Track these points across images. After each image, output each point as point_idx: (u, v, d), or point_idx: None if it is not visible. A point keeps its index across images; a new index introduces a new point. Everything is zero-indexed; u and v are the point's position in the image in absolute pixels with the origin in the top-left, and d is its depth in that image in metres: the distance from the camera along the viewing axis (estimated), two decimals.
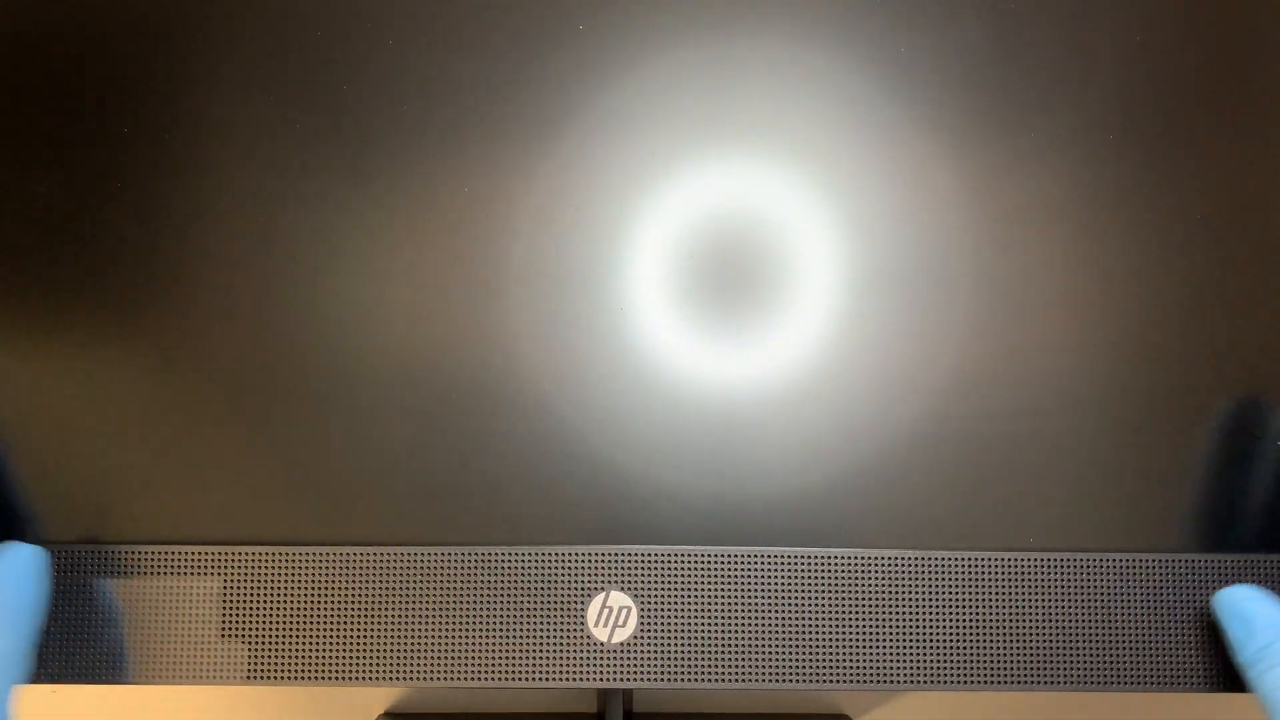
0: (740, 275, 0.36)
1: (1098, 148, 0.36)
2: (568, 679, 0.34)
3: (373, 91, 0.36)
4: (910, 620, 0.34)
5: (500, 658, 0.34)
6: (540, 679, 0.34)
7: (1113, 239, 0.36)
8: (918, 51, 0.36)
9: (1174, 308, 0.36)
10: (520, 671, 0.34)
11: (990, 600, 0.34)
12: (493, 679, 0.34)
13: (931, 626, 0.34)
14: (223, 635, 0.34)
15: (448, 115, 0.36)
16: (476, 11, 0.36)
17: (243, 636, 0.34)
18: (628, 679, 0.34)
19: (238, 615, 0.34)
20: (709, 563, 0.35)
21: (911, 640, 0.34)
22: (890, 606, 0.34)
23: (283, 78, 0.36)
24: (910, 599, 0.34)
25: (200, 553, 0.34)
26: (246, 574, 0.34)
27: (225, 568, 0.34)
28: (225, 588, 0.34)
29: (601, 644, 0.34)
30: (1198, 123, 0.36)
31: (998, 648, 0.34)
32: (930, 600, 0.34)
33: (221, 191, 0.36)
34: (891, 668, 0.34)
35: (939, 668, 0.34)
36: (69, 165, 0.36)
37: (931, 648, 0.34)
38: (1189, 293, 0.36)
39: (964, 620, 0.34)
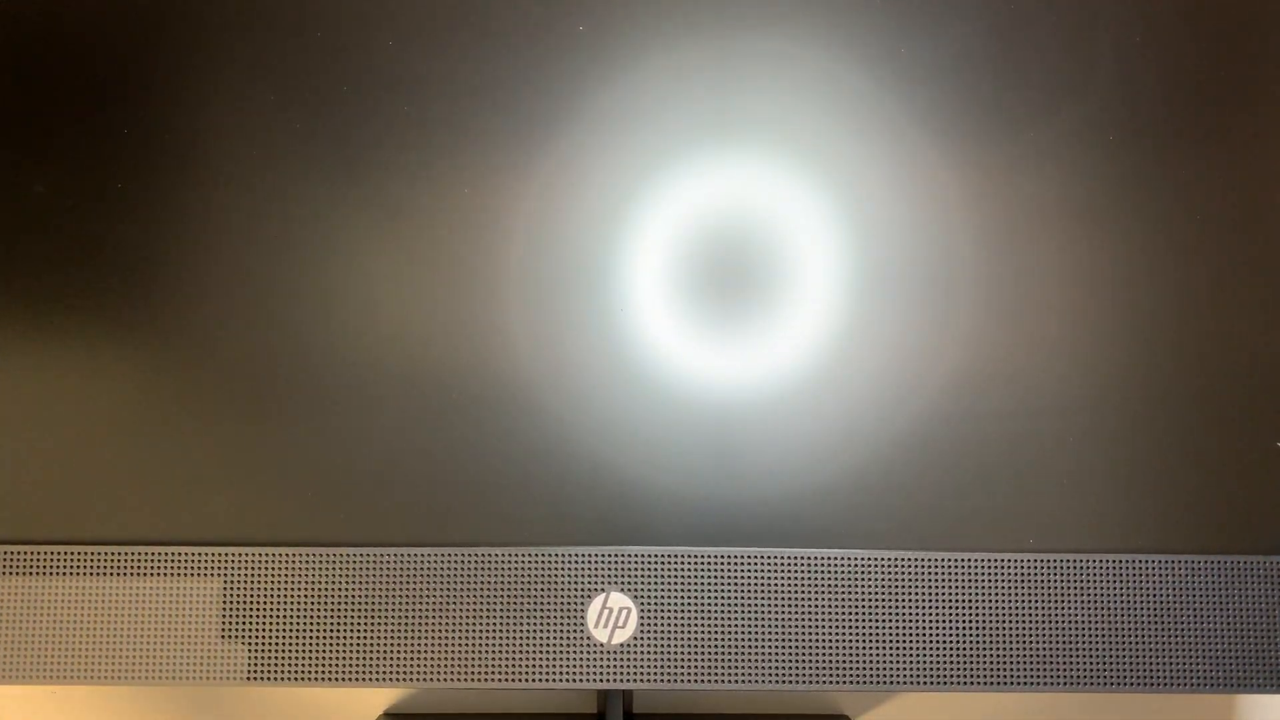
0: (739, 276, 0.36)
1: (1098, 148, 0.36)
2: (568, 680, 0.34)
3: (372, 91, 0.36)
4: (910, 620, 0.34)
5: (500, 658, 0.34)
6: (540, 679, 0.34)
7: (1113, 239, 0.36)
8: (918, 52, 0.36)
9: (1175, 307, 0.36)
10: (520, 672, 0.34)
11: (990, 600, 0.34)
12: (493, 679, 0.34)
13: (931, 626, 0.34)
14: (223, 635, 0.34)
15: (447, 115, 0.36)
16: (476, 11, 0.36)
17: (243, 637, 0.34)
18: (628, 680, 0.34)
19: (238, 615, 0.34)
20: (709, 564, 0.35)
21: (911, 640, 0.34)
22: (890, 606, 0.34)
23: (283, 78, 0.36)
24: (910, 599, 0.34)
25: (200, 553, 0.34)
26: (246, 574, 0.34)
27: (225, 568, 0.34)
28: (225, 588, 0.34)
29: (601, 645, 0.34)
30: (1198, 123, 0.36)
31: (997, 648, 0.34)
32: (930, 600, 0.34)
33: (221, 192, 0.36)
34: (891, 668, 0.34)
35: (939, 668, 0.34)
36: (69, 165, 0.36)
37: (931, 648, 0.34)
38: (1190, 292, 0.36)
39: (964, 620, 0.34)
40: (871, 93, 0.36)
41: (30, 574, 0.34)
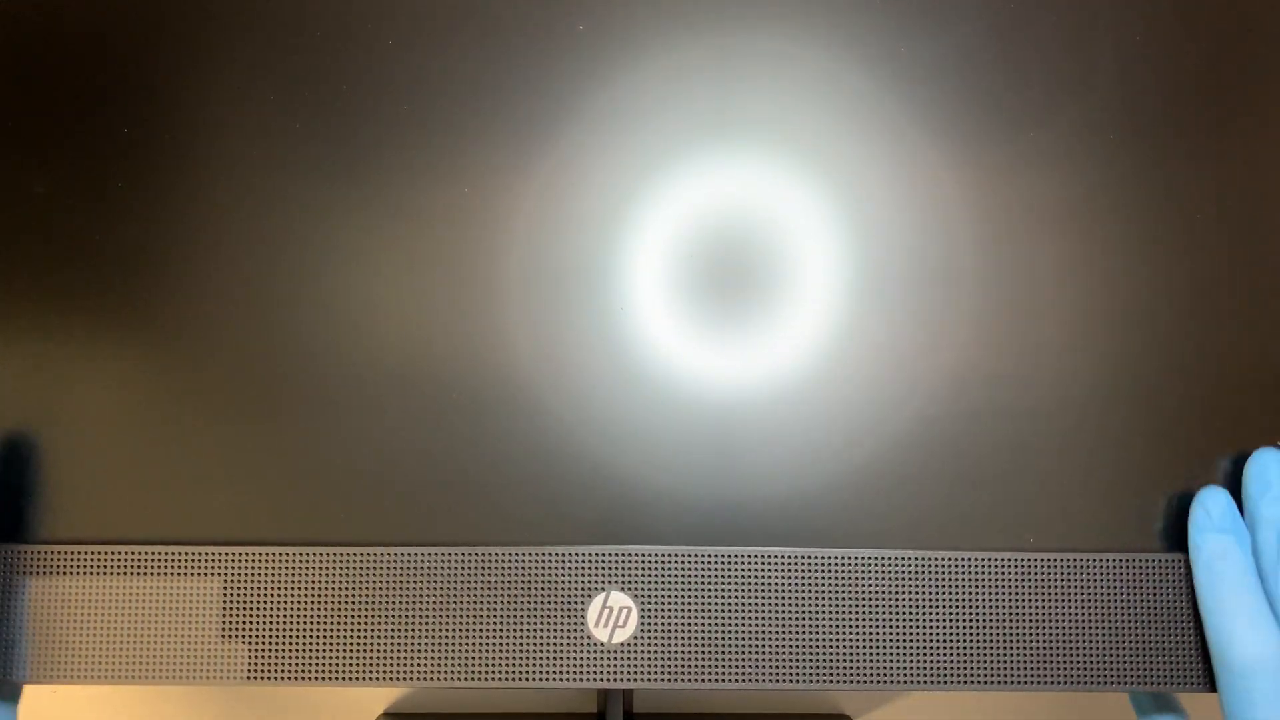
0: (739, 275, 0.36)
1: (1098, 148, 0.36)
2: (568, 679, 0.34)
3: (373, 91, 0.36)
4: (910, 620, 0.34)
5: (500, 658, 0.34)
6: (540, 679, 0.34)
7: (1113, 239, 0.36)
8: (918, 51, 0.36)
9: (1174, 308, 0.36)
10: (520, 672, 0.34)
11: (990, 600, 0.34)
12: (493, 679, 0.34)
13: (931, 626, 0.34)
14: (223, 635, 0.34)
15: (447, 115, 0.36)
16: (476, 11, 0.36)
17: (243, 636, 0.34)
18: (628, 679, 0.34)
19: (238, 615, 0.34)
20: (709, 563, 0.35)
21: (911, 640, 0.34)
22: (890, 606, 0.34)
23: (283, 77, 0.36)
24: (910, 599, 0.34)
25: (200, 553, 0.34)
26: (246, 574, 0.34)
27: (225, 568, 0.34)
28: (225, 588, 0.34)
29: (602, 644, 0.34)
30: (1198, 123, 0.36)
31: (998, 648, 0.34)
32: (930, 600, 0.34)
33: (221, 192, 0.36)
34: (891, 668, 0.34)
35: (939, 668, 0.34)
36: (69, 166, 0.36)
37: (931, 648, 0.34)
38: (1189, 293, 0.36)
39: (964, 620, 0.34)
40: (871, 92, 0.36)
41: (28, 574, 0.34)
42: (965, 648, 0.34)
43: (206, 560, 0.34)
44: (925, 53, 0.36)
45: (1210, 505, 0.34)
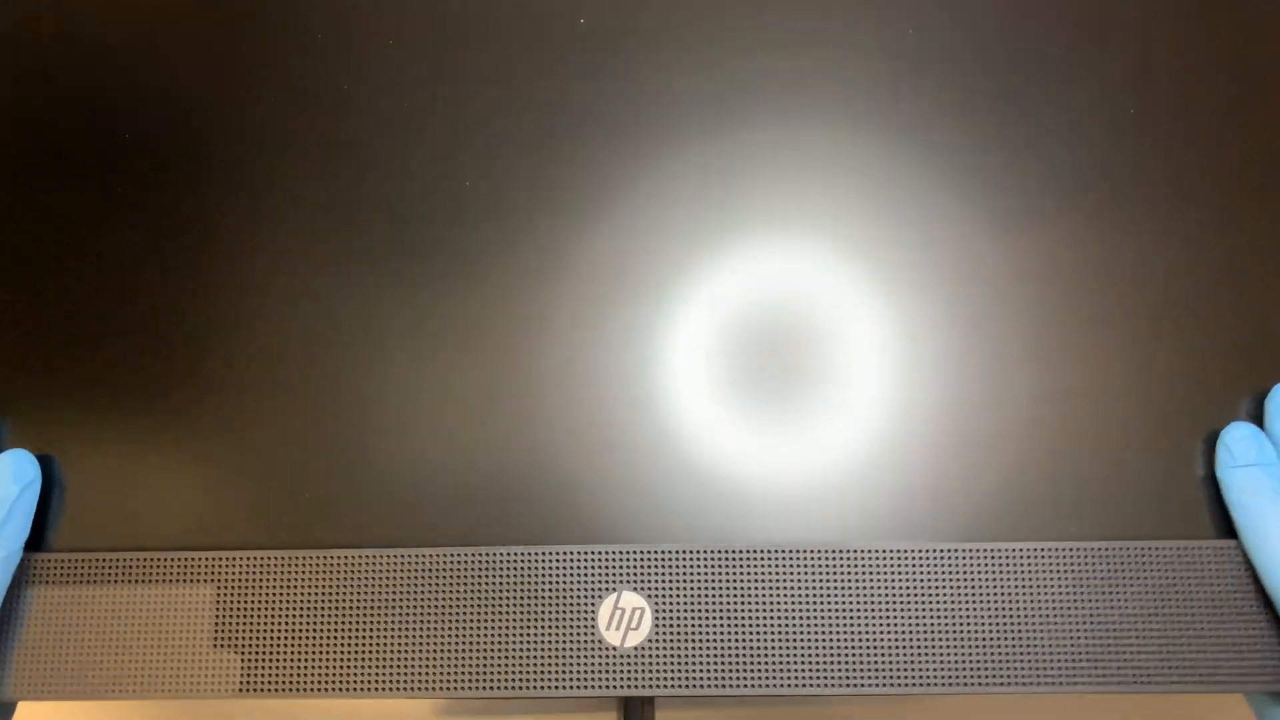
0: (739, 277, 0.34)
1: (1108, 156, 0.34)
2: (578, 686, 0.32)
3: (372, 92, 0.35)
4: (951, 617, 0.32)
5: (506, 665, 0.32)
6: (549, 687, 0.32)
7: (1147, 229, 0.34)
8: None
9: (1217, 291, 0.34)
10: (528, 679, 0.32)
11: (1036, 595, 0.32)
12: (499, 688, 0.32)
13: (974, 624, 0.32)
14: (214, 645, 0.33)
15: (447, 117, 0.35)
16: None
17: (235, 646, 0.33)
18: (642, 685, 0.32)
19: (230, 624, 0.33)
20: (726, 561, 0.33)
21: (952, 639, 0.32)
22: (927, 603, 0.32)
23: (283, 83, 0.36)
24: (949, 595, 0.32)
25: (192, 558, 0.33)
26: (240, 580, 0.33)
27: (219, 574, 0.33)
28: (218, 595, 0.33)
29: (614, 648, 0.32)
30: (1206, 122, 0.35)
31: (1046, 646, 0.32)
32: (972, 597, 0.32)
33: (221, 193, 0.35)
34: (931, 670, 0.32)
35: (984, 669, 0.32)
36: (72, 173, 0.35)
37: (974, 648, 0.32)
38: (1232, 275, 0.34)
39: (1010, 618, 0.32)
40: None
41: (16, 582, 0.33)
42: (1011, 648, 0.32)
43: (197, 566, 0.33)
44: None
45: (1231, 442, 0.32)
